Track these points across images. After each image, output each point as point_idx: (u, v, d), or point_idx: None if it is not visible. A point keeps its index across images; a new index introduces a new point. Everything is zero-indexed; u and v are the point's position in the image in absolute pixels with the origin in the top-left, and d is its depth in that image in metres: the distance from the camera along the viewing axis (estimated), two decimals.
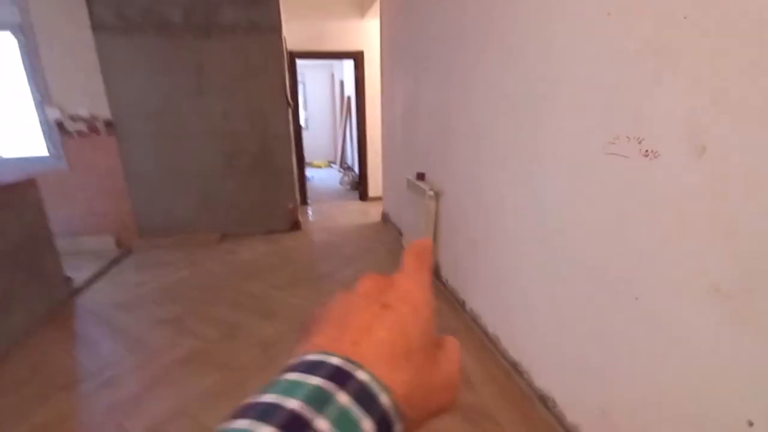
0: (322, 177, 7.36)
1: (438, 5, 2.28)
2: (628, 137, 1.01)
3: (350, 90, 6.21)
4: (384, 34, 3.73)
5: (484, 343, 1.98)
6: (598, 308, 1.19)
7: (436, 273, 2.69)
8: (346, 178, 6.31)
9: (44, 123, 3.29)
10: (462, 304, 2.28)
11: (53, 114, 3.26)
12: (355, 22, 4.67)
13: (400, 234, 3.41)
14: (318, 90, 8.71)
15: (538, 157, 1.44)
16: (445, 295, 2.50)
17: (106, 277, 3.02)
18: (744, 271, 0.77)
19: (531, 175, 1.50)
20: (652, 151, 0.94)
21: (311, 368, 0.18)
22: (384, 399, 0.18)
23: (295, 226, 4.02)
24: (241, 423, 0.16)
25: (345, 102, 7.03)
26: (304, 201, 5.07)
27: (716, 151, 0.80)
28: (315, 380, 0.17)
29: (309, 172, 7.61)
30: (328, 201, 5.40)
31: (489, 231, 1.90)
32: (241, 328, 2.21)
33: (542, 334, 1.52)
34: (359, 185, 5.44)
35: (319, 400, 0.16)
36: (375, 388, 0.18)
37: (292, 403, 0.16)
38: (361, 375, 0.18)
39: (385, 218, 4.22)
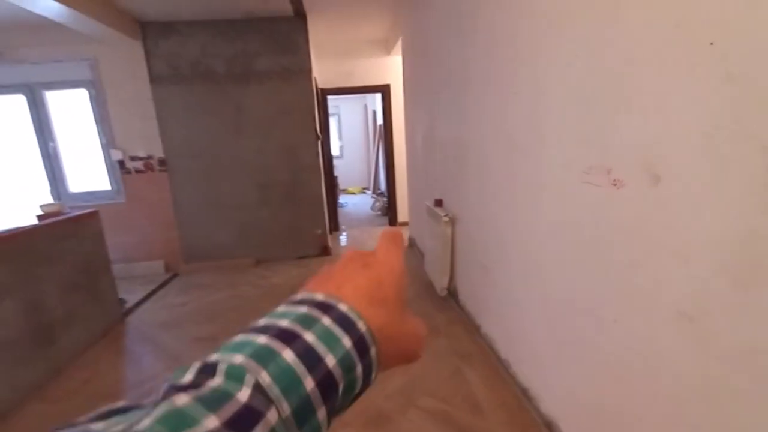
0: (356, 203, 7.60)
1: (447, 49, 2.43)
2: (599, 167, 1.06)
3: (382, 119, 6.48)
4: (405, 71, 3.95)
5: (497, 368, 1.98)
6: (582, 331, 1.21)
7: (455, 297, 2.72)
8: (377, 204, 6.49)
9: (108, 162, 3.77)
10: (477, 329, 2.30)
11: (116, 155, 3.74)
12: (382, 59, 4.96)
13: (423, 258, 3.48)
14: (352, 120, 9.13)
15: (532, 187, 1.50)
16: (463, 319, 2.52)
17: (154, 298, 3.33)
18: (701, 294, 0.80)
19: (527, 205, 1.55)
20: (619, 180, 0.99)
21: (299, 302, 0.21)
22: (361, 325, 0.21)
23: (325, 251, 4.21)
24: (240, 336, 0.19)
25: (378, 130, 7.33)
26: (335, 227, 5.29)
27: (669, 180, 0.85)
28: (302, 309, 0.20)
29: (343, 198, 7.91)
30: (360, 226, 5.58)
31: (496, 258, 1.94)
32: None
33: (543, 360, 1.53)
34: (389, 211, 5.58)
35: (306, 321, 0.20)
36: (353, 316, 0.21)
37: (284, 323, 0.19)
38: (342, 306, 0.21)
39: (411, 243, 4.30)
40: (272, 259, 4.08)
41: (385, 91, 5.02)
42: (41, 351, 2.10)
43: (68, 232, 2.39)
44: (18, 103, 3.60)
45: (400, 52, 4.37)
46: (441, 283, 2.68)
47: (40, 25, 3.30)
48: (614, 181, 1.00)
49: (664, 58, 0.83)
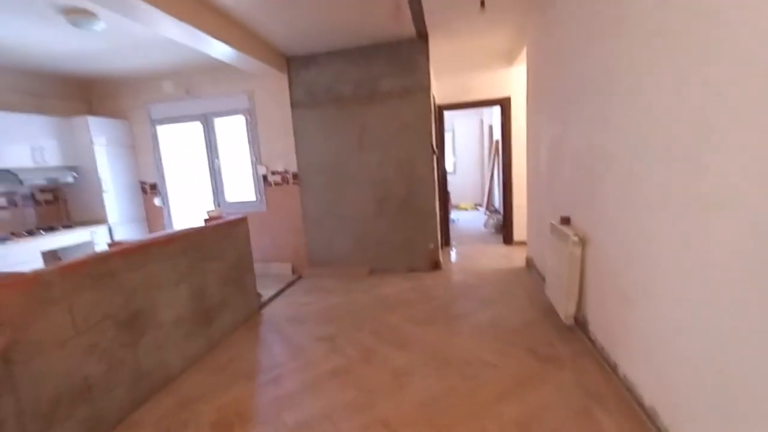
0: (468, 219, 7.43)
1: (583, 52, 2.23)
2: None
3: (499, 134, 6.27)
4: (530, 80, 3.75)
5: (639, 417, 1.67)
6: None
7: (583, 327, 2.41)
8: (491, 221, 6.23)
9: (255, 177, 4.44)
10: (613, 367, 1.98)
11: (262, 170, 4.38)
12: (502, 71, 4.82)
13: (543, 280, 3.18)
14: (466, 136, 9.03)
15: (699, 203, 1.25)
16: (593, 353, 2.21)
17: (283, 295, 3.75)
18: None
19: (691, 225, 1.29)
20: None
21: None
22: None
23: (436, 265, 4.19)
24: None
25: (493, 145, 7.10)
26: (446, 242, 5.23)
27: None
28: None
29: (454, 214, 7.81)
30: (471, 243, 5.42)
31: (642, 286, 1.65)
32: (377, 354, 2.43)
33: (712, 414, 1.22)
34: (503, 228, 5.30)
35: None
36: None
37: None
38: None
39: (529, 264, 3.99)
40: (385, 270, 4.23)
41: (504, 103, 4.85)
42: (202, 329, 2.54)
43: (226, 234, 2.87)
44: (196, 128, 4.52)
45: (522, 61, 4.18)
46: (567, 311, 2.40)
47: (214, 67, 4.13)
48: None
49: None
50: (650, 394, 1.63)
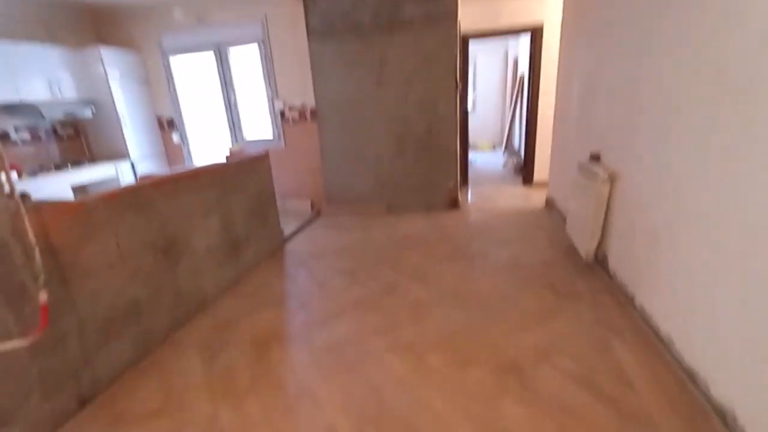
0: (486, 160, 7.28)
1: None
2: None
3: (525, 68, 5.89)
4: (567, 5, 3.43)
5: (655, 347, 1.75)
6: None
7: (603, 263, 2.45)
8: (510, 162, 6.10)
9: (272, 113, 4.35)
10: (631, 300, 2.04)
11: (279, 105, 4.28)
12: None
13: (564, 221, 3.18)
14: (488, 71, 8.52)
15: (745, 129, 1.18)
16: (611, 288, 2.27)
17: (303, 232, 3.86)
18: None
19: (734, 150, 1.24)
20: None
21: None
22: None
23: (454, 205, 4.20)
24: None
25: (518, 81, 6.72)
26: (464, 182, 5.19)
27: None
28: None
29: (472, 155, 7.64)
30: (489, 184, 5.37)
31: (674, 219, 1.64)
32: (398, 287, 2.54)
33: (731, 341, 1.27)
34: (523, 169, 5.20)
35: None
36: None
37: None
38: None
39: (550, 204, 3.97)
40: (402, 209, 4.27)
41: (536, 32, 4.48)
42: (231, 259, 2.67)
43: (250, 169, 2.89)
44: (209, 60, 4.36)
45: None
46: (588, 248, 2.43)
47: None
48: None
49: None
50: (667, 324, 1.69)
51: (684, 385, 1.52)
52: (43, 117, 3.64)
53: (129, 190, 1.87)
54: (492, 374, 1.68)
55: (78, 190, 3.69)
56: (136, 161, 4.35)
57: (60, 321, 1.54)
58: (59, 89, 3.73)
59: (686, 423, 1.37)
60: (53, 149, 4.04)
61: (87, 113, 4.03)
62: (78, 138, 4.28)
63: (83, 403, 1.63)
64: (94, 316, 1.69)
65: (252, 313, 2.32)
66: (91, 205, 1.68)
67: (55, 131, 4.06)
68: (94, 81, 4.02)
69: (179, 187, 2.18)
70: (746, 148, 1.20)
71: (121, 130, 4.19)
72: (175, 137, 4.71)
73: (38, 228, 1.45)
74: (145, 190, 1.96)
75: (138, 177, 2.26)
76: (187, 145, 4.77)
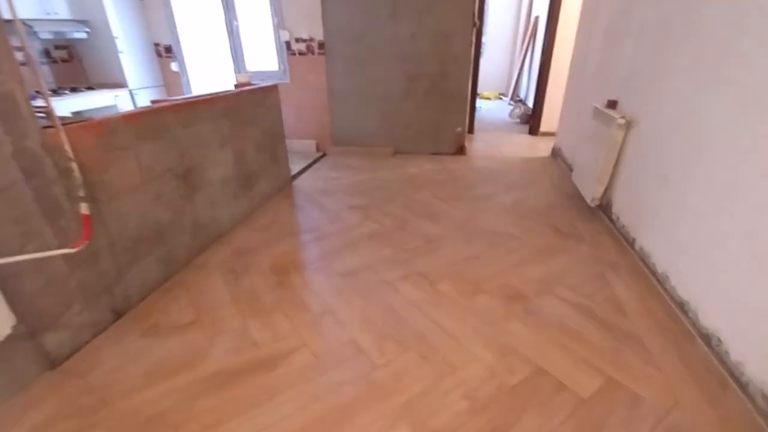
0: (491, 108, 7.16)
1: None
2: None
3: (540, 8, 5.61)
4: None
5: (649, 282, 1.90)
6: None
7: (606, 209, 2.55)
8: (516, 111, 6.01)
9: (278, 43, 4.15)
10: (631, 242, 2.16)
11: (284, 36, 4.07)
12: None
13: (570, 170, 3.24)
14: (499, 12, 8.08)
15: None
16: (612, 231, 2.39)
17: (309, 171, 3.87)
18: None
19: (750, 109, 1.27)
20: None
21: None
22: None
23: (460, 150, 4.20)
24: None
25: (531, 25, 6.41)
26: (471, 130, 5.15)
27: None
28: None
29: (478, 102, 7.48)
30: (496, 132, 5.33)
31: (686, 166, 1.70)
32: (409, 223, 2.63)
33: (721, 272, 1.40)
34: (531, 118, 5.15)
35: None
36: None
37: None
38: None
39: (556, 153, 4.00)
40: (409, 152, 4.27)
41: None
42: (245, 192, 2.70)
43: (260, 101, 2.83)
44: None
45: None
46: (594, 193, 2.51)
47: None
48: None
49: None
50: (664, 261, 1.82)
51: (674, 314, 1.67)
52: (36, 36, 3.43)
53: (148, 112, 1.85)
54: (499, 300, 1.82)
55: (76, 116, 3.59)
56: (135, 90, 4.20)
57: (93, 237, 1.60)
58: (51, 6, 3.49)
59: (673, 344, 1.53)
60: (47, 73, 3.86)
61: (81, 35, 3.80)
62: (72, 62, 4.08)
63: (118, 315, 1.74)
64: (123, 235, 1.75)
65: (269, 243, 2.40)
66: (113, 125, 1.67)
67: (48, 53, 3.85)
68: (88, 0, 3.75)
69: (196, 114, 2.15)
70: (758, 104, 1.23)
71: (117, 55, 3.98)
72: (174, 65, 4.51)
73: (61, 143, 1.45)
74: (164, 113, 1.94)
75: (152, 101, 2.21)
76: (186, 74, 4.58)
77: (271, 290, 1.94)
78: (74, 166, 1.36)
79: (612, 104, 2.48)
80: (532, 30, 6.19)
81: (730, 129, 1.43)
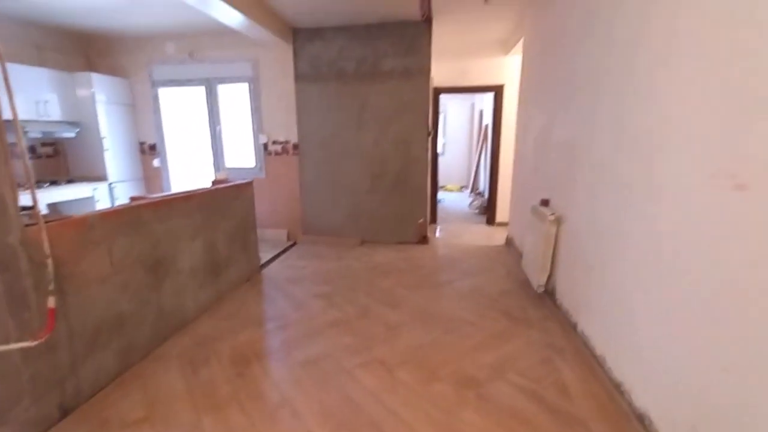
0: (453, 200, 7.76)
1: (574, 52, 2.49)
2: (723, 172, 1.13)
3: (489, 119, 6.52)
4: (524, 72, 4.00)
5: (591, 364, 2.04)
6: (696, 329, 1.27)
7: (551, 295, 2.77)
8: (475, 203, 6.57)
9: (256, 145, 4.58)
10: (574, 326, 2.35)
11: (262, 139, 4.53)
12: (498, 59, 5.03)
13: (521, 257, 3.54)
14: (457, 119, 9.26)
15: (652, 188, 1.56)
16: (558, 317, 2.58)
17: (280, 259, 4.00)
18: None
19: (645, 205, 1.61)
20: (741, 184, 1.05)
21: None
22: None
23: (423, 240, 4.50)
24: None
25: (482, 130, 7.36)
26: (433, 220, 5.55)
27: None
28: None
29: (441, 194, 8.12)
30: (456, 222, 5.76)
31: (604, 256, 1.99)
32: (371, 310, 2.74)
33: (646, 355, 1.58)
34: (487, 210, 5.65)
35: None
36: None
37: None
38: None
39: (509, 242, 4.35)
40: (375, 241, 4.52)
41: (498, 91, 5.09)
42: (212, 280, 2.78)
43: (234, 196, 3.07)
44: (198, 92, 4.59)
45: (518, 52, 4.41)
46: (539, 280, 2.75)
47: (220, 32, 4.18)
48: (738, 184, 1.07)
49: None
50: (601, 345, 2.00)
51: (612, 395, 1.80)
52: (26, 134, 3.68)
53: (127, 210, 2.02)
54: (453, 387, 1.89)
55: (52, 207, 3.69)
56: (115, 183, 4.40)
57: (54, 329, 1.63)
58: (45, 109, 3.81)
59: (613, 426, 1.63)
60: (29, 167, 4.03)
61: (70, 134, 4.09)
62: (57, 157, 4.30)
63: (65, 412, 1.68)
64: (84, 326, 1.78)
65: (232, 332, 2.42)
66: (91, 221, 1.81)
67: (34, 149, 4.07)
68: (81, 103, 4.13)
69: (172, 209, 2.34)
70: (654, 208, 1.57)
71: (102, 152, 4.26)
72: (156, 161, 4.81)
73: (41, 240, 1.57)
74: (142, 210, 2.11)
75: (131, 198, 2.39)
76: (167, 169, 4.87)
77: (229, 382, 1.94)
78: (49, 262, 1.47)
79: (545, 202, 2.87)
80: (484, 134, 7.10)
81: (626, 232, 1.74)
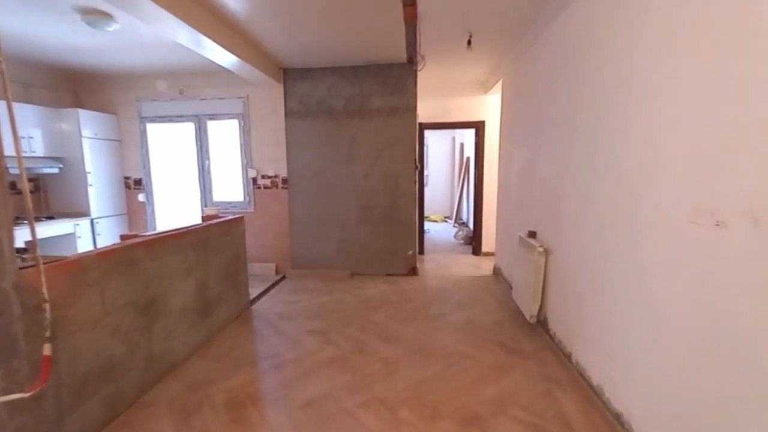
0: (438, 230, 7.86)
1: (551, 94, 2.68)
2: (703, 209, 1.23)
3: (469, 152, 6.77)
4: (504, 110, 4.23)
5: (589, 395, 2.07)
6: (688, 359, 1.33)
7: (544, 325, 2.82)
8: (460, 233, 6.68)
9: (245, 179, 4.60)
10: (568, 356, 2.39)
11: (252, 173, 4.55)
12: (479, 98, 5.31)
13: (510, 287, 3.60)
14: (439, 152, 9.56)
15: (635, 222, 1.66)
16: (552, 347, 2.62)
17: (269, 294, 3.93)
18: None
19: (630, 238, 1.71)
20: (721, 221, 1.16)
21: None
22: None
23: (413, 271, 4.53)
24: None
25: (464, 163, 7.61)
26: (421, 251, 5.60)
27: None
28: None
29: (426, 225, 8.23)
30: (443, 253, 5.83)
31: (594, 287, 2.07)
32: (367, 346, 2.70)
33: (642, 385, 1.63)
34: (473, 240, 5.75)
35: None
36: None
37: None
38: None
39: (497, 272, 4.43)
40: (365, 274, 4.51)
41: (479, 127, 5.33)
42: (203, 320, 2.70)
43: (226, 231, 3.05)
44: (187, 128, 4.61)
45: (496, 91, 4.68)
46: (531, 311, 2.81)
47: (212, 71, 4.28)
48: (717, 222, 1.17)
49: None
50: (597, 375, 2.04)
51: (613, 426, 1.82)
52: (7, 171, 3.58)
53: (121, 249, 1.98)
54: (458, 425, 1.87)
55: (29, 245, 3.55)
56: (97, 219, 4.28)
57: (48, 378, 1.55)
58: (29, 146, 3.75)
59: None
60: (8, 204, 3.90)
61: (53, 170, 4.01)
62: (37, 192, 4.18)
63: None
64: (73, 374, 1.69)
65: (225, 374, 2.34)
66: (86, 262, 1.77)
67: (14, 185, 3.95)
68: (66, 139, 4.09)
69: (166, 247, 2.30)
70: (633, 233, 1.67)
71: (86, 187, 4.18)
72: (141, 196, 4.73)
73: (37, 283, 1.53)
74: (136, 248, 2.08)
75: (121, 236, 2.35)
76: (152, 204, 4.79)
77: (224, 429, 1.86)
78: (47, 307, 1.42)
79: (532, 234, 2.98)
80: (466, 167, 7.34)
81: (613, 263, 1.83)
